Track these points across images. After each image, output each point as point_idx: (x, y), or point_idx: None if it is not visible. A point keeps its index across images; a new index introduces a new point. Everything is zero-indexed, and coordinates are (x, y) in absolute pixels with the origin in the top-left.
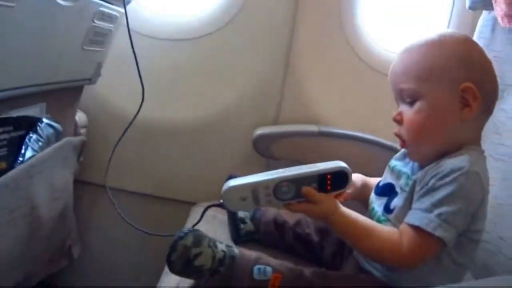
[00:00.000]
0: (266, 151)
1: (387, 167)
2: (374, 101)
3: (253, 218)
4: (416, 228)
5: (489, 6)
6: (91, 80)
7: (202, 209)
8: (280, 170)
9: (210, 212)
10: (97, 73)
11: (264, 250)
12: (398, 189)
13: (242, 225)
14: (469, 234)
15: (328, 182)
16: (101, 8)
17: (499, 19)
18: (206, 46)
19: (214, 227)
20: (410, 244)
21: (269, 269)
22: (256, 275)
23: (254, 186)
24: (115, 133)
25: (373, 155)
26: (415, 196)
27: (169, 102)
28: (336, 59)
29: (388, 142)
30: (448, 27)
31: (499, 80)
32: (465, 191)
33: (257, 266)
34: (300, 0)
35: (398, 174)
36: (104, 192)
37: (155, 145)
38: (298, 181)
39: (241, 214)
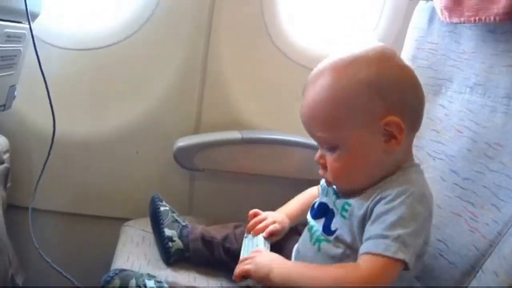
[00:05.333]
0: (188, 164)
1: (320, 185)
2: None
3: (180, 236)
4: (375, 255)
5: None
6: (5, 106)
7: (132, 229)
8: None
9: (139, 232)
10: (11, 97)
11: (196, 269)
12: (332, 207)
13: (170, 244)
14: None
15: None
16: (6, 30)
17: (438, 12)
18: (119, 54)
19: (144, 249)
20: (371, 270)
21: None
22: None
23: None
24: (38, 151)
25: (302, 157)
26: (359, 224)
27: (86, 115)
28: (259, 57)
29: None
30: (380, 16)
31: (435, 74)
32: (415, 211)
33: None
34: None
35: (328, 191)
36: (35, 214)
37: (76, 160)
38: None
39: (168, 233)
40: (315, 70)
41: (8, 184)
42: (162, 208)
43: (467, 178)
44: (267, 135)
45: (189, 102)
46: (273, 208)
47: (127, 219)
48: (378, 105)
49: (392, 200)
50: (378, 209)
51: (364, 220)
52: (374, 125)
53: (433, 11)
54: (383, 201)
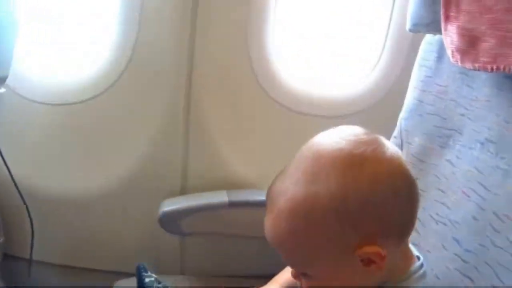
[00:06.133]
0: (174, 229)
1: None
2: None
3: None
4: None
5: (435, 30)
6: None
7: None
8: None
9: None
10: None
11: None
12: None
13: None
14: None
15: None
16: None
17: (449, 53)
18: (97, 109)
19: None
20: None
21: None
22: None
23: None
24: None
25: None
26: None
27: (70, 171)
28: (247, 106)
29: None
30: (382, 52)
31: (442, 123)
32: None
33: None
34: (196, 44)
35: None
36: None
37: (65, 215)
38: None
39: None
40: (275, 183)
41: (1, 239)
42: (147, 280)
43: (470, 250)
44: (256, 197)
45: (173, 158)
46: (267, 265)
47: (120, 272)
48: (350, 235)
49: None
50: None
51: None
52: (348, 256)
53: (442, 46)
54: None
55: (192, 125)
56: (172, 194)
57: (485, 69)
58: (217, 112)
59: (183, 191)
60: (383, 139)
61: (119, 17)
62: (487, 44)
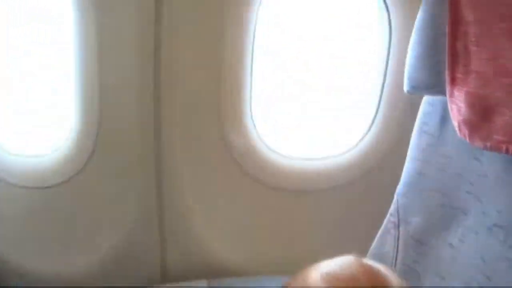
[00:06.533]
0: None
1: None
2: (285, 228)
3: None
4: None
5: (438, 93)
6: None
7: None
8: None
9: None
10: None
11: None
12: None
13: None
14: None
15: None
16: None
17: (455, 125)
18: (64, 194)
19: None
20: None
21: None
22: None
23: None
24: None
25: None
26: None
27: (42, 256)
28: (225, 185)
29: None
30: (375, 115)
31: (445, 201)
32: None
33: None
34: (163, 129)
35: None
36: None
37: None
38: None
39: None
40: None
41: None
42: None
43: None
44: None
45: (151, 245)
46: None
47: None
48: None
49: None
50: None
51: None
52: None
53: (446, 107)
54: None
55: (167, 210)
56: (153, 281)
57: (498, 150)
58: (192, 195)
59: (163, 278)
60: (385, 277)
61: (77, 104)
62: (503, 117)
